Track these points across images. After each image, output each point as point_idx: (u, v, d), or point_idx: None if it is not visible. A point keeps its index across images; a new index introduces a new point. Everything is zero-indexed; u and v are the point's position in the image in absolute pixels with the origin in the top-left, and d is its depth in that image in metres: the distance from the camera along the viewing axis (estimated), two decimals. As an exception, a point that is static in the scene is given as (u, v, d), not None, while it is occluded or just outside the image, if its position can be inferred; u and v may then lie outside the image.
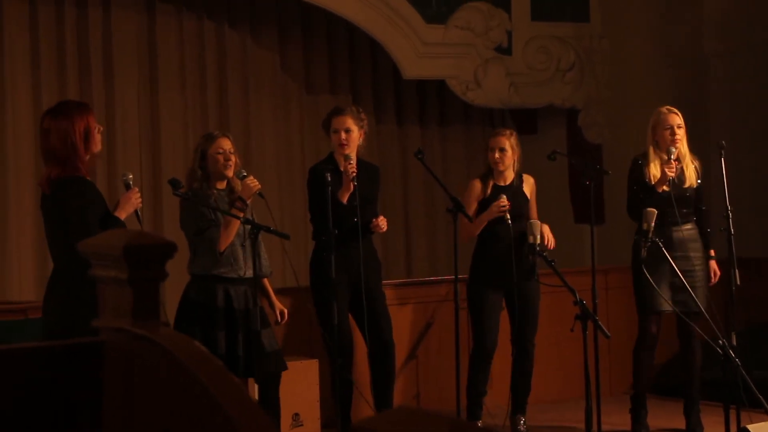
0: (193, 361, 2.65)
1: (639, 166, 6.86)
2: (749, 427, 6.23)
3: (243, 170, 6.10)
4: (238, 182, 6.07)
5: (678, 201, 6.75)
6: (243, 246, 6.02)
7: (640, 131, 6.92)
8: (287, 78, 9.53)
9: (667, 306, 6.71)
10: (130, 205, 5.21)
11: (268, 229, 5.85)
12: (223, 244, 5.96)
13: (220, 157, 6.07)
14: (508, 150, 6.88)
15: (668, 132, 6.79)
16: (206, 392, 2.55)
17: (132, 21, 8.87)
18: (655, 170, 6.77)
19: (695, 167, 6.90)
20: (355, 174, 6.41)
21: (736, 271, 6.55)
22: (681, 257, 6.72)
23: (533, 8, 9.78)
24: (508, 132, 7.03)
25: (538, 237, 6.47)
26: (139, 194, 5.27)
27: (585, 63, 9.95)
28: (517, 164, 6.96)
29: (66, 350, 3.15)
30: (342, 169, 6.48)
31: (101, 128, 5.14)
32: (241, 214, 5.94)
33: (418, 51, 9.38)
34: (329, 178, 6.33)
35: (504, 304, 6.93)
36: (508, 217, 6.74)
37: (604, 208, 9.34)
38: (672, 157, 6.70)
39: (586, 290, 6.52)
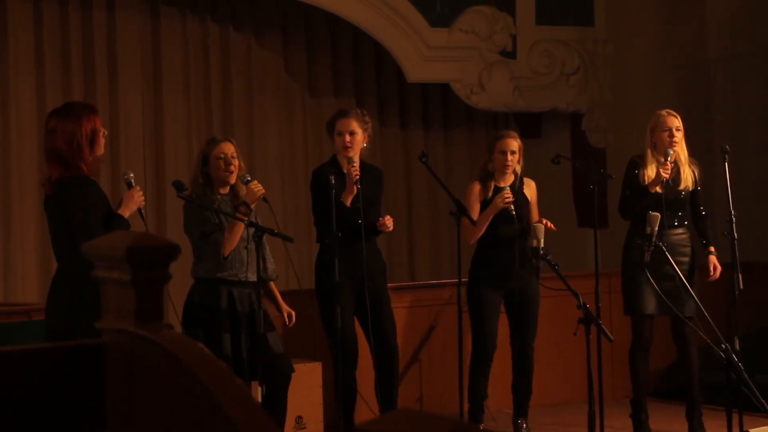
0: (195, 363, 2.66)
1: (635, 166, 6.84)
2: (751, 431, 6.23)
3: (247, 174, 6.07)
4: (243, 187, 6.04)
5: (670, 203, 6.72)
6: (247, 249, 6.01)
7: (643, 135, 6.91)
8: (291, 81, 9.53)
9: (655, 309, 6.69)
10: (134, 203, 5.20)
11: (272, 232, 5.83)
12: (228, 249, 5.95)
13: (221, 162, 6.04)
14: (518, 152, 6.87)
15: (666, 134, 6.77)
16: (208, 394, 2.56)
17: (136, 23, 8.89)
18: (650, 172, 6.74)
19: (693, 172, 6.87)
20: (358, 176, 6.40)
21: (740, 275, 6.54)
22: (668, 261, 6.66)
23: (538, 12, 9.78)
24: (515, 134, 7.03)
25: (542, 241, 6.45)
26: (141, 192, 5.26)
27: (589, 67, 9.95)
28: (519, 166, 6.95)
29: (69, 351, 3.16)
30: (345, 171, 6.48)
31: (106, 132, 5.14)
32: (246, 218, 5.93)
33: (422, 54, 9.37)
34: (332, 181, 6.32)
35: (503, 307, 6.93)
36: (512, 208, 6.72)
37: (608, 211, 9.32)
38: (669, 159, 6.68)
39: (590, 294, 6.50)
